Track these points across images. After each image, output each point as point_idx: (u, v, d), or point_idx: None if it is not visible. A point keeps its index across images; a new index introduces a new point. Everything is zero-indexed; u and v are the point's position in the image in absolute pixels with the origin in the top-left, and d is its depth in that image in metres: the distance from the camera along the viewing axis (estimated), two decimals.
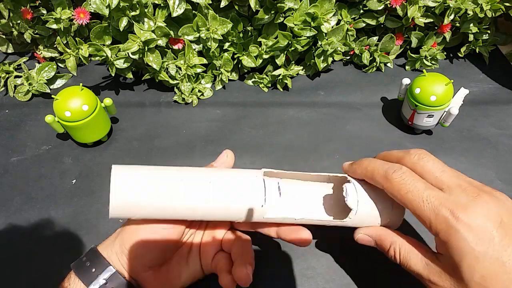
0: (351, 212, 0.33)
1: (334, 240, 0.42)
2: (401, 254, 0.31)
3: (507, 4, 0.54)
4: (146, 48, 0.49)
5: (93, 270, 0.31)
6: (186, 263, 0.36)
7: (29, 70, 0.56)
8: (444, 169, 0.30)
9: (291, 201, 0.36)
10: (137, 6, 0.47)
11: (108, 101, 0.49)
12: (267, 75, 0.58)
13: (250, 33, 0.55)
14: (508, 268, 0.25)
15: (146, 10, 0.49)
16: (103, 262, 0.32)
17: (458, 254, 0.26)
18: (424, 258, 0.29)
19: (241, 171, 0.34)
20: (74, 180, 0.48)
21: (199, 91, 0.57)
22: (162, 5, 0.49)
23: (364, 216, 0.34)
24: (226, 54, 0.55)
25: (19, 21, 0.55)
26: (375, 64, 0.60)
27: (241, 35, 0.55)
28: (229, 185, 0.32)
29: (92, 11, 0.47)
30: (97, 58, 0.50)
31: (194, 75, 0.55)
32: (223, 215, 0.32)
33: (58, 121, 0.47)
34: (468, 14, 0.56)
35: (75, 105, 0.46)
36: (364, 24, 0.57)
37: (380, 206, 0.34)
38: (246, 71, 0.60)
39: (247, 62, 0.56)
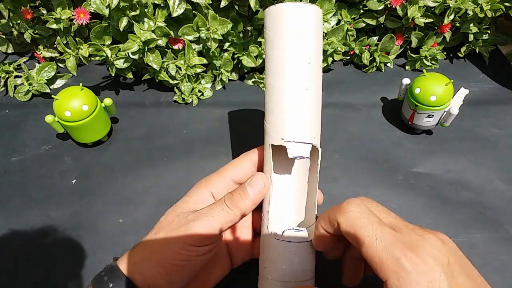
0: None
1: None
2: None
3: (507, 4, 0.54)
4: (146, 48, 0.49)
5: (111, 285, 0.29)
6: (218, 262, 0.36)
7: (29, 70, 0.56)
8: (388, 212, 0.30)
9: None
10: (137, 6, 0.47)
11: (108, 101, 0.49)
12: None
13: (250, 33, 0.55)
14: None
15: (146, 10, 0.49)
16: (120, 277, 0.30)
17: None
18: None
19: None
20: (74, 180, 0.48)
21: (199, 91, 0.57)
22: (162, 5, 0.49)
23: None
24: (226, 54, 0.55)
25: (19, 21, 0.55)
26: (375, 64, 0.60)
27: (241, 35, 0.55)
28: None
29: (92, 11, 0.47)
30: (97, 58, 0.50)
31: (194, 75, 0.55)
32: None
33: (58, 121, 0.47)
34: (468, 14, 0.56)
35: (75, 105, 0.46)
36: (364, 24, 0.57)
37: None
38: (246, 71, 0.60)
39: (247, 62, 0.56)
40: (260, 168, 0.35)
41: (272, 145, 0.32)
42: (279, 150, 0.32)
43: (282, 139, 0.31)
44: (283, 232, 0.32)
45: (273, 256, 0.32)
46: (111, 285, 0.29)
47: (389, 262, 0.25)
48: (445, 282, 0.24)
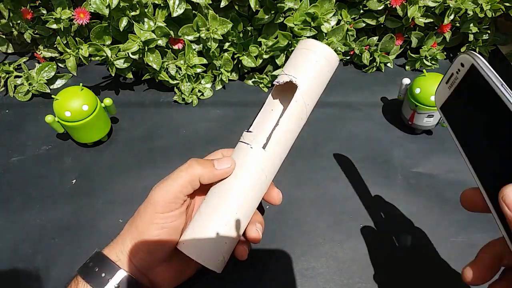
0: (294, 82, 0.35)
1: (334, 240, 0.42)
2: None
3: (507, 4, 0.54)
4: (146, 48, 0.49)
5: (103, 274, 0.31)
6: None
7: (29, 70, 0.56)
8: None
9: (261, 125, 0.38)
10: (137, 6, 0.47)
11: (108, 101, 0.49)
12: (267, 75, 0.58)
13: (250, 33, 0.55)
14: None
15: (146, 10, 0.49)
16: (111, 265, 0.32)
17: None
18: None
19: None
20: (74, 180, 0.48)
21: (199, 91, 0.57)
22: (162, 5, 0.49)
23: (302, 73, 0.36)
24: (226, 54, 0.55)
25: (19, 21, 0.55)
26: (375, 64, 0.60)
27: (241, 35, 0.55)
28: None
29: (92, 11, 0.47)
30: (97, 58, 0.50)
31: (194, 75, 0.55)
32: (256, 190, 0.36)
33: (58, 121, 0.47)
34: (468, 14, 0.56)
35: (75, 105, 0.46)
36: (364, 24, 0.57)
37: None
38: (246, 71, 0.60)
39: (247, 62, 0.56)
40: None
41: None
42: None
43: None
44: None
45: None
46: (103, 275, 0.31)
47: None
48: None
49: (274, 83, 0.37)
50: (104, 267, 0.32)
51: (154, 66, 0.51)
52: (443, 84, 0.33)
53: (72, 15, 0.49)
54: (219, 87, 0.59)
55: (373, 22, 0.57)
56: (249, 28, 0.55)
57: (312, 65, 0.36)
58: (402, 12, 0.54)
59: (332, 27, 0.54)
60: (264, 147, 0.35)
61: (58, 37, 0.52)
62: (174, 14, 0.48)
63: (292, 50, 0.55)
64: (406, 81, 0.50)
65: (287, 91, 0.37)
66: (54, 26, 0.51)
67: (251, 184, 0.35)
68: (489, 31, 0.59)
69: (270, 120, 0.38)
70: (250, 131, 0.37)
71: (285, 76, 0.36)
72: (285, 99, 0.38)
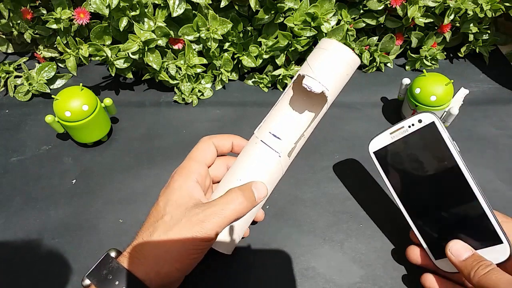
0: (326, 94, 0.36)
1: (334, 240, 0.42)
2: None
3: (507, 4, 0.54)
4: (146, 48, 0.49)
5: (116, 283, 0.31)
6: None
7: (29, 70, 0.56)
8: None
9: (288, 132, 0.38)
10: (137, 6, 0.47)
11: (108, 101, 0.49)
12: (267, 75, 0.58)
13: (250, 33, 0.55)
14: None
15: (146, 10, 0.49)
16: (130, 276, 0.31)
17: None
18: None
19: (249, 152, 0.38)
20: (74, 180, 0.48)
21: (199, 91, 0.57)
22: (162, 5, 0.49)
23: (333, 85, 0.37)
24: (226, 54, 0.55)
25: (19, 21, 0.55)
26: (375, 64, 0.60)
27: (241, 35, 0.55)
28: (252, 170, 0.36)
29: (92, 11, 0.47)
30: (97, 58, 0.50)
31: (194, 75, 0.55)
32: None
33: (58, 121, 0.47)
34: (468, 14, 0.56)
35: (75, 105, 0.46)
36: (364, 24, 0.57)
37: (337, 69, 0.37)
38: (246, 71, 0.60)
39: (247, 62, 0.56)
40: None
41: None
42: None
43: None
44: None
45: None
46: (116, 283, 0.30)
47: None
48: None
49: (305, 86, 0.36)
50: (118, 276, 0.31)
51: (154, 66, 0.51)
52: (386, 133, 0.37)
53: (72, 15, 0.49)
54: (219, 87, 0.59)
55: (373, 22, 0.57)
56: (249, 28, 0.55)
57: (343, 79, 0.37)
58: (402, 12, 0.54)
59: (332, 27, 0.54)
60: (289, 155, 0.37)
61: (58, 37, 0.52)
62: (174, 14, 0.48)
63: (293, 50, 0.55)
64: (406, 81, 0.50)
65: (309, 92, 0.37)
66: (54, 26, 0.51)
67: (273, 187, 0.38)
68: (489, 31, 0.59)
69: (294, 127, 0.39)
70: (279, 138, 0.37)
71: (318, 85, 0.36)
72: (304, 97, 0.39)
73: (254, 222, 0.40)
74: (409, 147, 0.36)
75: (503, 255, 0.33)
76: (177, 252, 0.32)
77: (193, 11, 0.51)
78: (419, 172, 0.35)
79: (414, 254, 0.38)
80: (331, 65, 0.36)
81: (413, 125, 0.35)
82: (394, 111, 0.55)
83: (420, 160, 0.35)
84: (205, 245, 0.33)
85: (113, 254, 0.34)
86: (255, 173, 0.36)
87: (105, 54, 0.49)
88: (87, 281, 0.32)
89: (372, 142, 0.38)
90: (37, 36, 0.57)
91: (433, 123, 0.34)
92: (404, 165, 0.36)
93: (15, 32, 0.57)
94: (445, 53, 0.60)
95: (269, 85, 0.59)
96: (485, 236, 0.33)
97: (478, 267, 0.32)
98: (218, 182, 0.39)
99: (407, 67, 0.62)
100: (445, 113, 0.48)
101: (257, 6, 0.50)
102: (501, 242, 0.33)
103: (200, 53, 0.56)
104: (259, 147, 0.37)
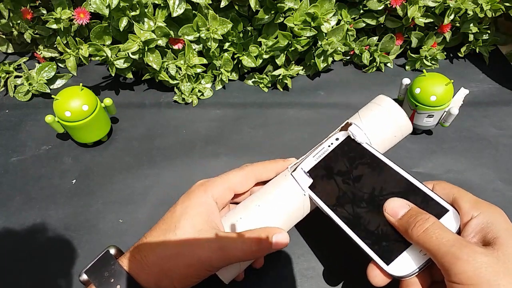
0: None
1: (334, 240, 0.42)
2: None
3: (507, 4, 0.54)
4: (146, 48, 0.49)
5: (118, 287, 0.31)
6: None
7: (29, 70, 0.56)
8: None
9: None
10: (137, 6, 0.47)
11: (108, 101, 0.49)
12: (267, 75, 0.58)
13: (250, 33, 0.55)
14: None
15: (146, 10, 0.49)
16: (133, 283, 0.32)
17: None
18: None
19: (276, 182, 0.38)
20: (74, 180, 0.48)
21: (199, 91, 0.57)
22: (162, 5, 0.49)
23: (378, 141, 0.37)
24: (226, 54, 0.55)
25: (19, 21, 0.55)
26: (375, 64, 0.60)
27: (241, 35, 0.55)
28: (273, 200, 0.36)
29: (92, 11, 0.47)
30: (97, 58, 0.50)
31: (194, 75, 0.55)
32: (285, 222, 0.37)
33: (58, 121, 0.47)
34: (468, 14, 0.56)
35: (75, 105, 0.46)
36: (364, 24, 0.57)
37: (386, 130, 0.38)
38: (246, 71, 0.60)
39: (247, 62, 0.56)
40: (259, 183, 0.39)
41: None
42: None
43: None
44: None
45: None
46: (118, 287, 0.31)
47: None
48: None
49: (350, 134, 0.37)
50: (120, 279, 0.32)
51: (154, 66, 0.51)
52: (310, 157, 0.38)
53: (72, 15, 0.49)
54: (219, 87, 0.59)
55: (373, 22, 0.57)
56: (249, 28, 0.55)
57: (390, 139, 0.38)
58: (402, 12, 0.54)
59: (332, 27, 0.54)
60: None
61: (58, 37, 0.52)
62: (174, 14, 0.48)
63: (293, 50, 0.55)
64: (406, 81, 0.50)
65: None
66: (54, 26, 0.51)
67: (292, 225, 0.38)
68: (489, 31, 0.59)
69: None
70: (310, 177, 0.37)
71: (363, 136, 0.37)
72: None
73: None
74: (332, 161, 0.37)
75: (456, 223, 0.30)
76: (179, 275, 0.32)
77: (193, 11, 0.51)
78: (350, 181, 0.36)
79: (374, 273, 0.31)
80: (383, 125, 0.37)
81: (332, 144, 0.38)
82: None
83: (347, 169, 0.36)
84: (208, 275, 0.34)
85: (112, 251, 0.34)
86: (275, 204, 0.36)
87: (105, 54, 0.49)
88: (84, 276, 0.32)
89: (298, 169, 0.38)
90: (37, 36, 0.57)
91: (348, 137, 0.37)
92: (333, 179, 0.36)
93: (15, 32, 0.57)
94: (445, 53, 0.60)
95: (269, 85, 0.59)
96: (431, 212, 0.30)
97: (415, 224, 0.28)
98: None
99: (407, 67, 0.62)
100: (445, 113, 0.48)
101: (257, 6, 0.50)
102: (447, 210, 0.30)
103: (200, 53, 0.56)
104: (287, 179, 0.37)
